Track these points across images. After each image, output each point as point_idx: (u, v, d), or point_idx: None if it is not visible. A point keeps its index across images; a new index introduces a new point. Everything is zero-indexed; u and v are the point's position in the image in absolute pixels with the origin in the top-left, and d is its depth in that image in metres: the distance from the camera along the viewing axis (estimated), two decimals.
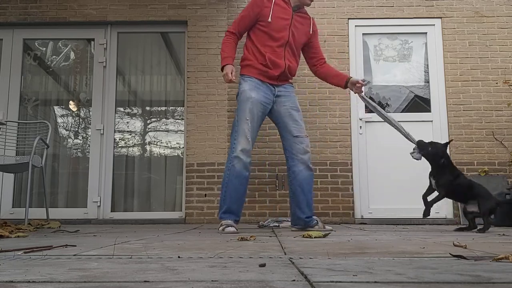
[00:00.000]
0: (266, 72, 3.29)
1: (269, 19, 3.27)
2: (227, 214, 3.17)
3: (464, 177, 3.45)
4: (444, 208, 4.84)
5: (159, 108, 5.60)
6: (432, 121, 5.05)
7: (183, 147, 5.22)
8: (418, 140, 3.40)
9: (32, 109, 5.43)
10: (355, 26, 5.22)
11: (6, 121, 4.69)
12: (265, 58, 3.27)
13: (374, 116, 5.07)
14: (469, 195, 3.34)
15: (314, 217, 3.30)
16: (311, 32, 3.47)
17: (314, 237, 2.50)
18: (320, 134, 5.00)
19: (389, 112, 5.17)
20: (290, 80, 3.47)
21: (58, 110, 5.61)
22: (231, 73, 3.20)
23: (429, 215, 3.27)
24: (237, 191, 3.17)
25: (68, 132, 5.54)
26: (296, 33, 3.37)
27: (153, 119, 5.58)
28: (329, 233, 2.72)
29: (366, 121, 5.05)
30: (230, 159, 3.21)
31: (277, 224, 4.07)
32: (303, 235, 2.56)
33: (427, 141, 3.42)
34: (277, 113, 3.36)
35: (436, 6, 5.19)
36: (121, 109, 5.45)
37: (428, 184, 3.42)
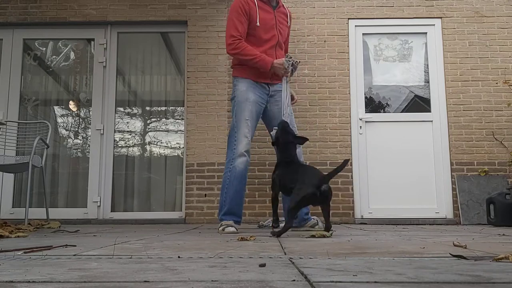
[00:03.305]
0: (259, 71, 3.25)
1: (257, 23, 3.26)
2: (228, 215, 3.16)
3: None
4: (444, 208, 4.84)
5: (159, 108, 5.60)
6: (432, 121, 5.05)
7: (183, 147, 5.22)
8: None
9: (32, 109, 5.43)
10: (355, 26, 5.22)
11: (6, 121, 4.69)
12: None
13: (374, 116, 5.08)
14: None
15: (314, 217, 3.30)
16: (288, 24, 3.49)
17: (314, 237, 2.50)
18: (320, 134, 5.00)
19: (389, 112, 5.17)
20: None
21: (58, 110, 5.61)
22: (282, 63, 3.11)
23: None
24: (237, 192, 3.17)
25: (68, 132, 5.54)
26: (281, 30, 3.41)
27: (153, 119, 5.58)
28: (330, 233, 2.72)
29: (366, 121, 5.04)
30: (231, 160, 3.19)
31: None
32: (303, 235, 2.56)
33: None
34: (271, 113, 3.36)
35: (436, 6, 5.19)
36: (121, 109, 5.45)
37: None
